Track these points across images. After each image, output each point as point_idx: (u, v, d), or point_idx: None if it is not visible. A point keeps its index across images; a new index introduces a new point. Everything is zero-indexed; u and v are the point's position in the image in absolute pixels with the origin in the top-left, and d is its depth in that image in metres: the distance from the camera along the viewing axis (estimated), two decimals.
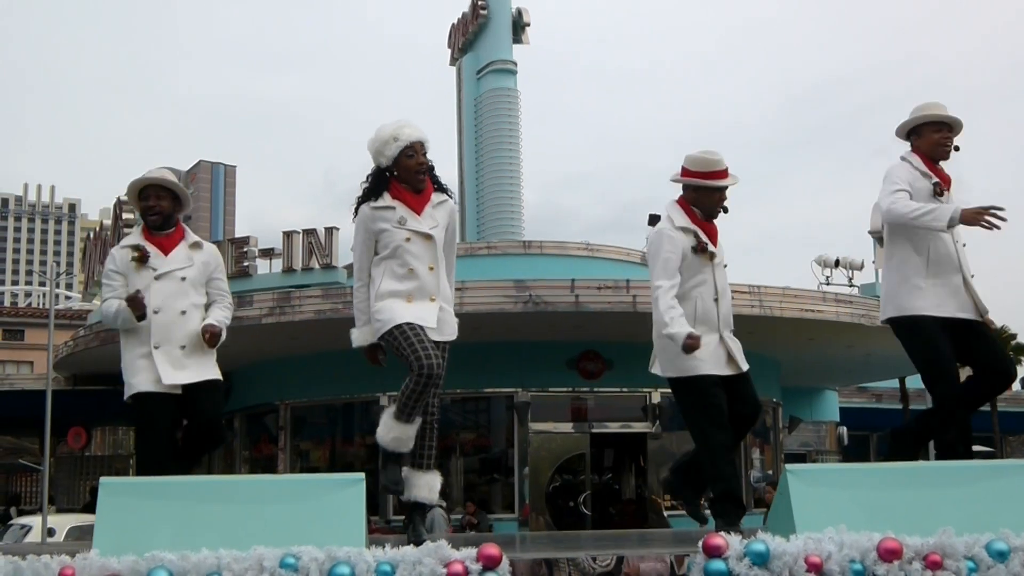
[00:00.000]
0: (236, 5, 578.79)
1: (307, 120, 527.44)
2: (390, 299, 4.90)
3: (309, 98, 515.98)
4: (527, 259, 18.72)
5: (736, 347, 5.35)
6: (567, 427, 17.99)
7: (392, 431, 4.82)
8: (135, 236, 5.38)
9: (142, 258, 5.22)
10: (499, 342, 16.47)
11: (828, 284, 17.98)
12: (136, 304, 5.12)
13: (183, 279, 5.27)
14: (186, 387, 5.20)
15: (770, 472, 19.99)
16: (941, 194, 5.35)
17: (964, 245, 5.41)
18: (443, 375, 4.86)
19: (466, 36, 26.44)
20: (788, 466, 4.23)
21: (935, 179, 5.39)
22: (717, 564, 3.72)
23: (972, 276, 5.37)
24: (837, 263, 18.15)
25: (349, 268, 17.41)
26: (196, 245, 5.41)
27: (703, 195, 5.31)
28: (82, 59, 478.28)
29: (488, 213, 24.89)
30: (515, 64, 25.67)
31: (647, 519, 17.36)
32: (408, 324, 4.80)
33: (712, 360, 5.24)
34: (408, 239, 4.92)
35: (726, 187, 5.31)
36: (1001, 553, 3.85)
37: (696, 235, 5.25)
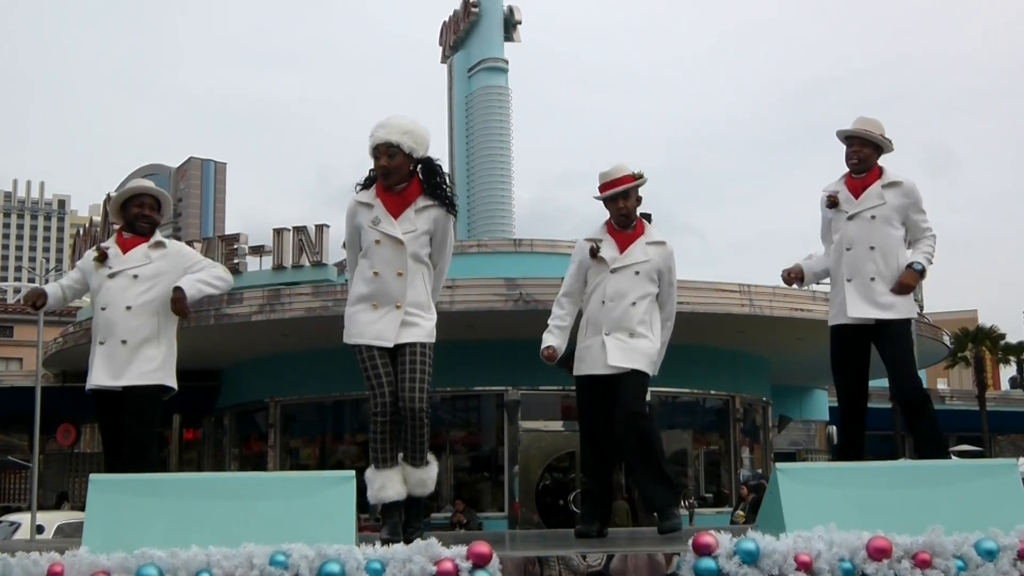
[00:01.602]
0: (231, 2, 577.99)
1: (300, 117, 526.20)
2: (359, 304, 4.93)
3: (302, 95, 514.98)
4: (518, 257, 18.69)
5: (615, 346, 5.48)
6: (557, 425, 17.99)
7: (375, 482, 4.87)
8: (110, 240, 5.52)
9: (101, 257, 5.36)
10: (489, 340, 16.46)
11: (818, 283, 17.94)
12: (31, 295, 5.51)
13: (135, 277, 5.30)
14: (125, 390, 5.25)
15: (759, 471, 20.02)
16: (833, 206, 5.66)
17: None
18: (423, 383, 4.87)
19: (457, 34, 26.42)
20: (778, 465, 4.23)
21: (832, 194, 5.68)
22: (707, 562, 3.72)
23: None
24: None
25: (340, 265, 17.50)
26: (158, 245, 5.42)
27: (607, 207, 5.68)
28: (74, 55, 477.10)
29: (479, 211, 24.86)
30: (506, 62, 25.65)
31: (637, 518, 17.37)
32: (367, 351, 4.85)
33: (589, 362, 5.56)
34: (378, 241, 4.87)
35: (611, 197, 5.58)
36: (990, 552, 3.87)
37: (594, 242, 5.62)
